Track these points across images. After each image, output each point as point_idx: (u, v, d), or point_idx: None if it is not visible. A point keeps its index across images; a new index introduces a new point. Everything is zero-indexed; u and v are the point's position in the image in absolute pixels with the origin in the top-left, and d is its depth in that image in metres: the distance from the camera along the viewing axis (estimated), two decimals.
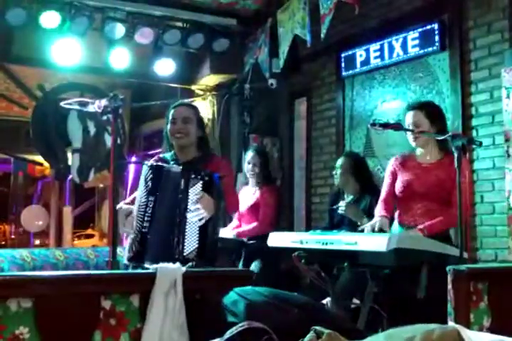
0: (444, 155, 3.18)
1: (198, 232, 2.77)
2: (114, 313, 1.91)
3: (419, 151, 3.29)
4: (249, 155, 4.64)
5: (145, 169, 2.87)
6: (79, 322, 1.86)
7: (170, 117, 3.04)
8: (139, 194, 2.84)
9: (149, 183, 2.82)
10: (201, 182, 2.79)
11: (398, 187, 3.29)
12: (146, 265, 2.72)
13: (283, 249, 3.14)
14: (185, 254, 2.72)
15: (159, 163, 2.93)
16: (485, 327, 2.26)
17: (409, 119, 3.22)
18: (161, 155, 3.13)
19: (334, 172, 4.20)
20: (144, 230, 2.78)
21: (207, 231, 2.80)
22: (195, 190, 2.79)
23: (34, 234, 7.52)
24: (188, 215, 2.77)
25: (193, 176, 2.79)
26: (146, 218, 2.78)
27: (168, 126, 3.02)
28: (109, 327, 1.90)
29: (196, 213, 2.77)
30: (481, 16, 4.04)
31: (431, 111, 3.21)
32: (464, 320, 2.17)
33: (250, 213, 4.57)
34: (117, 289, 1.94)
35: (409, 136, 3.22)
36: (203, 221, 2.78)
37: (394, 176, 3.34)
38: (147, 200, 2.80)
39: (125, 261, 2.81)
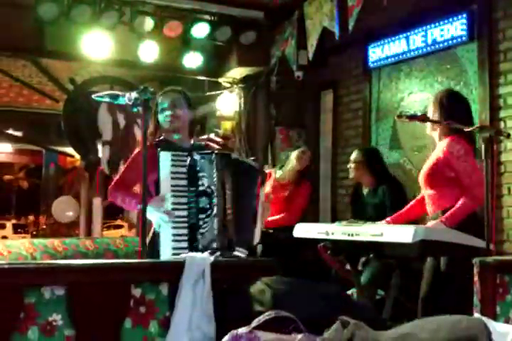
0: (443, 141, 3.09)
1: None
2: (143, 301, 1.95)
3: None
4: (304, 151, 4.70)
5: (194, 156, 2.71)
6: (110, 309, 1.90)
7: None
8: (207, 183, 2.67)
9: (215, 175, 2.68)
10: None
11: None
12: None
13: (308, 240, 3.17)
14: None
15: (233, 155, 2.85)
16: (511, 320, 2.25)
17: None
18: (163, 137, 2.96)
19: (348, 166, 4.22)
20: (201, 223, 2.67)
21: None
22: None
23: (65, 225, 7.65)
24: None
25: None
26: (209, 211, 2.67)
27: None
28: (138, 315, 1.94)
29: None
30: (510, 6, 3.99)
31: (437, 99, 3.14)
32: (490, 312, 2.17)
33: (280, 203, 4.59)
34: (147, 277, 1.98)
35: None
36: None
37: None
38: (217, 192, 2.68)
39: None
